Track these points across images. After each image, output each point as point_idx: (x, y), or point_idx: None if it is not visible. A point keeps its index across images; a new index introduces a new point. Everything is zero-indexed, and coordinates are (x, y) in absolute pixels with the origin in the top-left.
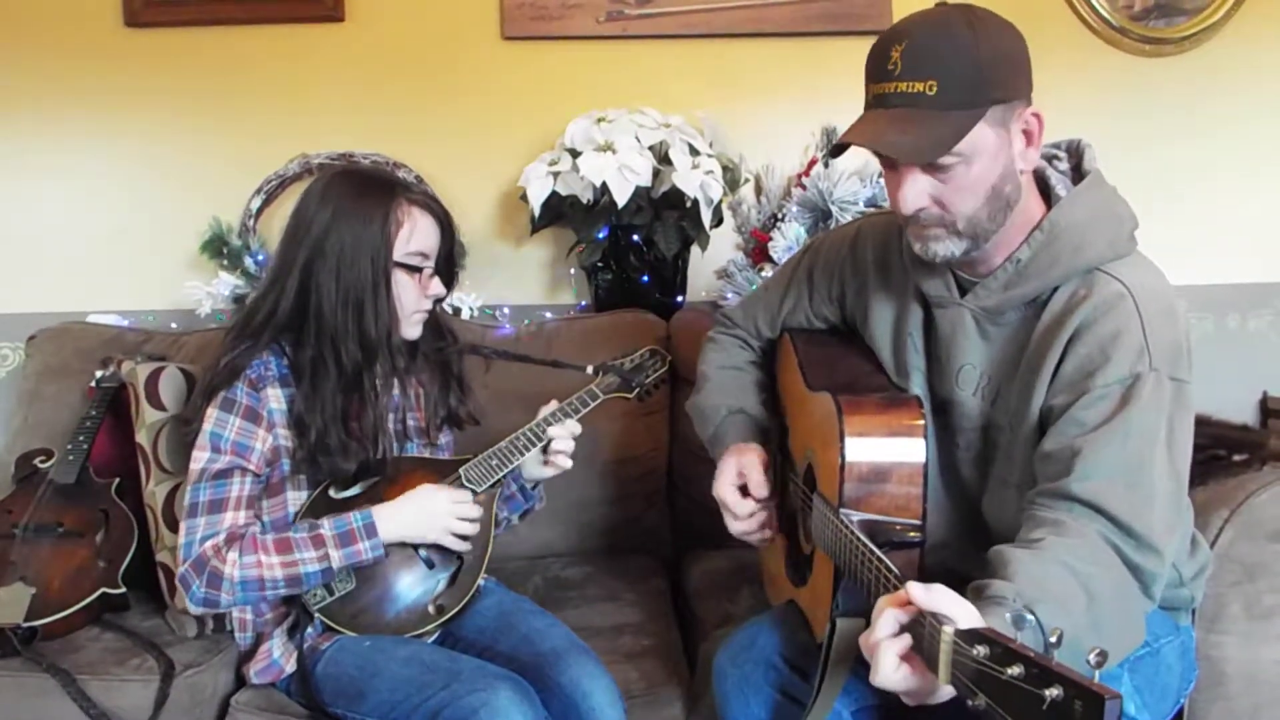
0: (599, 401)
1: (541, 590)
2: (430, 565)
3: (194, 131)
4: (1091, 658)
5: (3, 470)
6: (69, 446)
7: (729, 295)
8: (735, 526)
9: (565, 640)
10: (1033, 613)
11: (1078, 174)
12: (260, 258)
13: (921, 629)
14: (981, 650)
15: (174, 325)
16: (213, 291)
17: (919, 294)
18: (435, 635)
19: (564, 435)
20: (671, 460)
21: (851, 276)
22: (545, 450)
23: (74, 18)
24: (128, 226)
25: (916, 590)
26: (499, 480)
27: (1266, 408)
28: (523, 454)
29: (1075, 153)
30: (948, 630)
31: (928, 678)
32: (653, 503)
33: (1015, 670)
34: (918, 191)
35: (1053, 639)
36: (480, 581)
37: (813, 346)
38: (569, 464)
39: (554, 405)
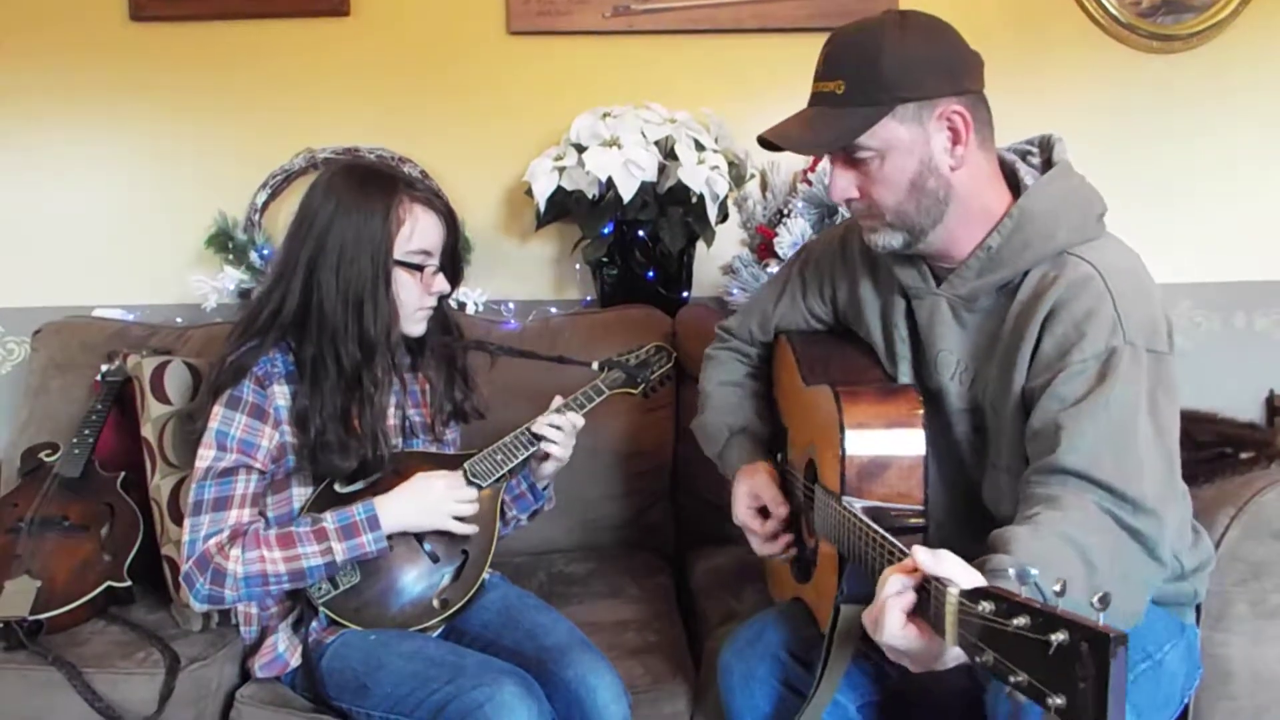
0: (604, 397)
1: (546, 585)
2: (435, 559)
3: (199, 126)
4: (1095, 601)
5: (8, 464)
6: (74, 440)
7: (734, 291)
8: (761, 549)
9: (569, 635)
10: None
11: (1048, 167)
12: (265, 252)
13: (928, 594)
14: (987, 606)
15: (179, 320)
16: (218, 286)
17: (900, 285)
18: (440, 630)
19: (558, 430)
20: (676, 456)
21: (842, 273)
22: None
23: (78, 12)
24: (133, 221)
25: (923, 555)
26: (503, 475)
27: (1273, 406)
28: (527, 449)
29: (1047, 147)
30: (952, 591)
31: (934, 640)
32: (657, 499)
33: (1020, 621)
34: (844, 185)
35: (1056, 588)
36: (485, 576)
37: (809, 345)
38: (563, 455)
39: (560, 401)
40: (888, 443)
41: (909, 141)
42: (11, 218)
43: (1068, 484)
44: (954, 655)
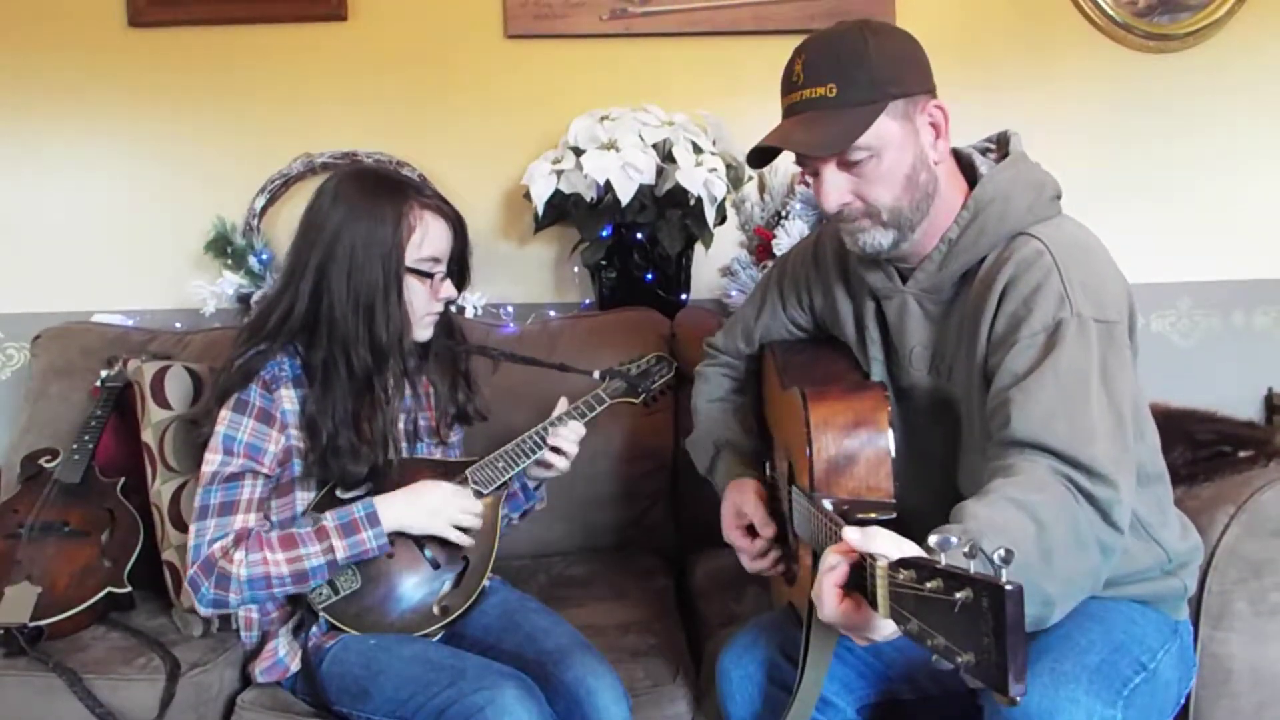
0: (605, 406)
1: (546, 588)
2: (436, 566)
3: (197, 131)
4: (995, 556)
5: (8, 470)
6: (74, 446)
7: (733, 293)
8: (751, 566)
9: (570, 638)
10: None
11: (1003, 159)
12: (264, 257)
13: (863, 570)
14: (908, 575)
15: (178, 325)
16: (217, 291)
17: (869, 288)
18: (439, 635)
19: (568, 438)
20: (677, 459)
21: (817, 280)
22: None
23: (77, 17)
24: (132, 226)
25: (852, 534)
26: (505, 482)
27: (1272, 404)
28: (529, 456)
29: (1004, 142)
30: (881, 564)
31: (865, 612)
32: (657, 501)
33: (933, 584)
34: (839, 190)
35: (1000, 554)
36: (485, 583)
37: (790, 354)
38: (565, 465)
39: (565, 404)
40: (853, 437)
41: (901, 137)
42: (11, 223)
43: (1023, 453)
44: (887, 627)
